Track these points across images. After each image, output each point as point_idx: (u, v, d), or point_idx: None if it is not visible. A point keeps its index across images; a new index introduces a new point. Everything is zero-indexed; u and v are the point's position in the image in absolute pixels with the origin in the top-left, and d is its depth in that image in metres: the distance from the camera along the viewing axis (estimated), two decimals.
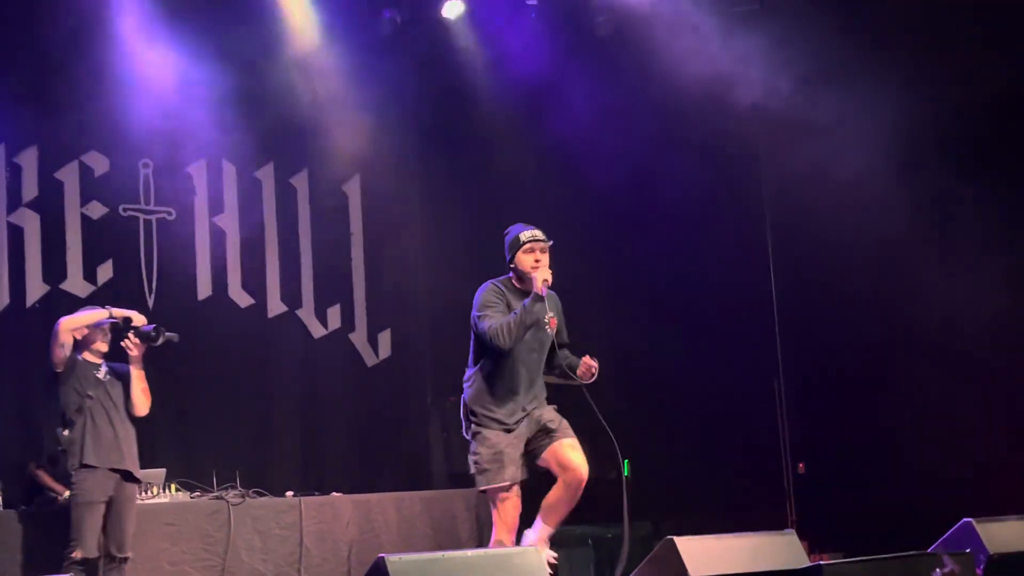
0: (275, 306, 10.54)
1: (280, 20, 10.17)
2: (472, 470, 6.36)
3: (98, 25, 9.40)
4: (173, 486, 8.06)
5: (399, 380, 11.04)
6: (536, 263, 6.33)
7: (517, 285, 6.41)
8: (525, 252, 6.38)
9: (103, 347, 7.24)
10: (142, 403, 7.25)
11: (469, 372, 6.44)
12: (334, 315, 10.84)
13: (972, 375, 9.95)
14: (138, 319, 7.25)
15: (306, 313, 10.71)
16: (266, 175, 10.63)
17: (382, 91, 10.46)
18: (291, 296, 10.63)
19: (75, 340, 7.10)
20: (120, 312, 7.25)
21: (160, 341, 7.20)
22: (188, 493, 8.10)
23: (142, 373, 7.23)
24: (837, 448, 11.04)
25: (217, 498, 8.04)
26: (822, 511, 11.02)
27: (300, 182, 10.79)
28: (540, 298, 6.21)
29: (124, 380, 7.24)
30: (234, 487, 8.18)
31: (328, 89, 10.45)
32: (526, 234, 6.43)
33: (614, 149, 10.66)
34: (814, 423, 11.42)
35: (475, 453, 6.31)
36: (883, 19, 10.28)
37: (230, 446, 9.55)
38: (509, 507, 6.25)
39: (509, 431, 6.29)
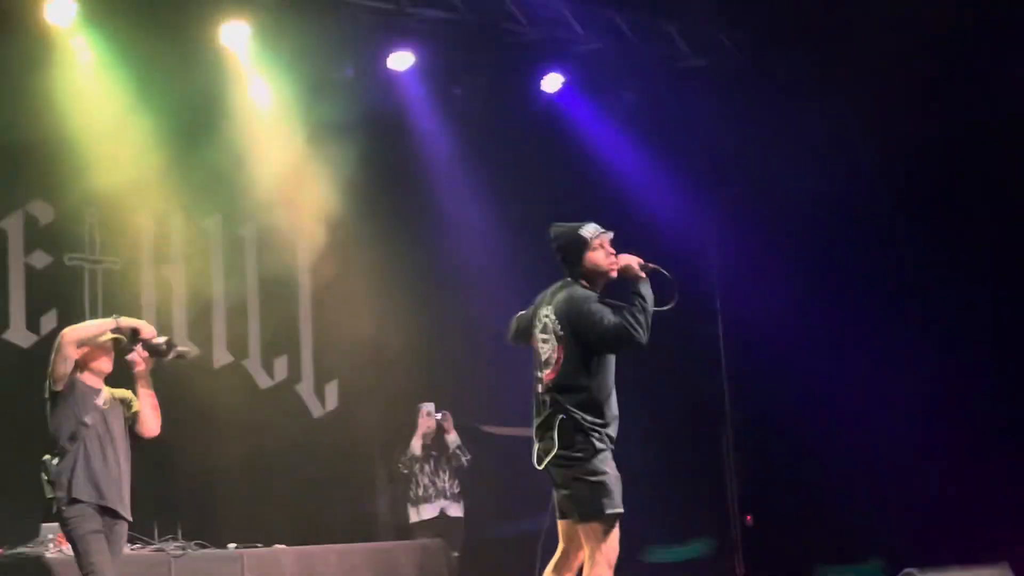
0: (221, 356, 10.48)
1: (230, 72, 10.15)
2: (586, 494, 5.61)
3: (41, 69, 9.35)
4: None
5: (346, 431, 10.97)
6: (612, 255, 5.84)
7: (591, 289, 5.84)
8: (595, 251, 5.85)
9: (106, 367, 6.58)
10: (153, 422, 6.64)
11: (565, 381, 5.71)
12: (281, 366, 10.80)
13: (913, 430, 10.07)
14: (147, 331, 6.60)
15: (252, 363, 10.66)
16: (214, 225, 10.61)
17: (331, 142, 10.45)
18: (237, 346, 10.58)
19: (89, 362, 6.48)
20: (128, 322, 6.59)
21: (171, 356, 6.63)
22: (128, 545, 7.95)
23: (151, 391, 6.63)
24: (784, 501, 11.09)
25: (158, 550, 7.94)
26: (770, 562, 11.05)
27: (248, 233, 10.77)
28: (647, 280, 5.77)
29: (127, 410, 6.61)
30: (175, 539, 8.09)
31: (278, 141, 10.45)
32: (588, 230, 5.87)
33: (556, 198, 10.72)
34: (762, 476, 11.47)
35: (601, 473, 5.61)
36: (828, 81, 10.46)
37: (172, 497, 9.42)
38: (616, 539, 5.64)
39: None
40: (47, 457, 6.43)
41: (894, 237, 10.27)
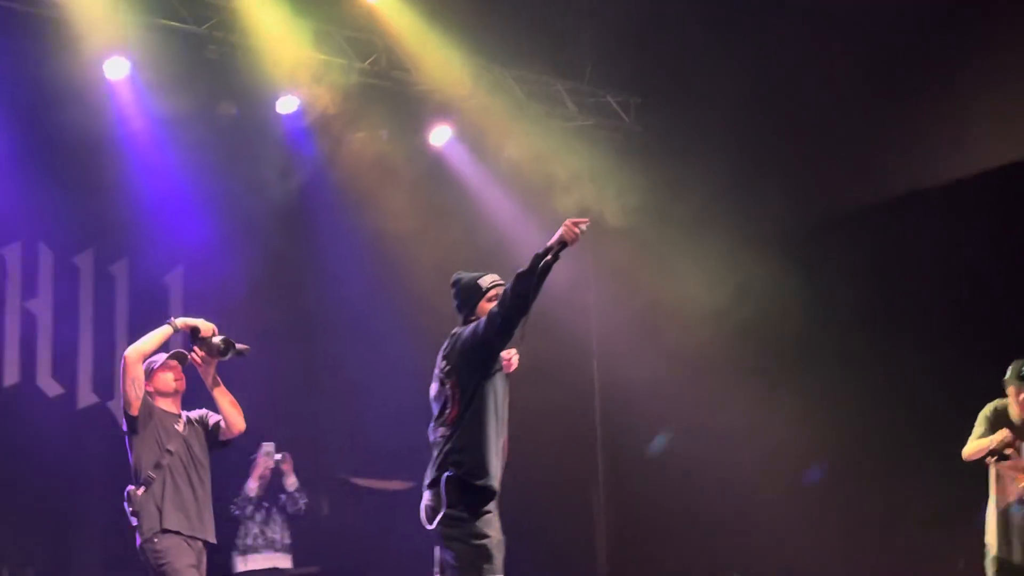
0: (86, 397, 10.17)
1: (111, 106, 9.94)
2: (466, 556, 5.49)
3: None
4: None
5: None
6: None
7: None
8: (490, 300, 5.71)
9: (176, 385, 6.49)
10: (236, 418, 6.48)
11: (454, 439, 5.59)
12: None
13: (785, 494, 10.17)
14: (205, 328, 6.42)
15: (117, 406, 10.33)
16: (84, 261, 10.34)
17: (211, 182, 10.28)
18: (103, 387, 10.27)
19: (155, 388, 6.45)
20: (185, 322, 6.43)
21: (229, 355, 6.41)
22: None
23: (222, 387, 6.46)
24: (653, 558, 11.11)
25: None
26: None
27: (120, 270, 10.52)
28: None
29: (204, 428, 6.50)
30: None
31: (155, 178, 10.24)
32: (487, 279, 5.79)
33: (441, 247, 10.69)
34: (632, 535, 11.48)
35: (484, 536, 5.50)
36: (713, 150, 10.61)
37: (26, 541, 9.10)
38: None
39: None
40: (131, 488, 6.31)
41: (775, 302, 10.38)
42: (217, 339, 6.41)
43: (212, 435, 6.55)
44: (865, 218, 10.30)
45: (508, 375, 5.83)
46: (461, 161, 11.22)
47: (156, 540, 6.24)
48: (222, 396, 6.49)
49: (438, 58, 10.70)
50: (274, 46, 9.97)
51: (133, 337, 10.24)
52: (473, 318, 5.76)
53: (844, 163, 10.18)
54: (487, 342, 5.59)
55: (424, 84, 10.78)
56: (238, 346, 6.46)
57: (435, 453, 5.70)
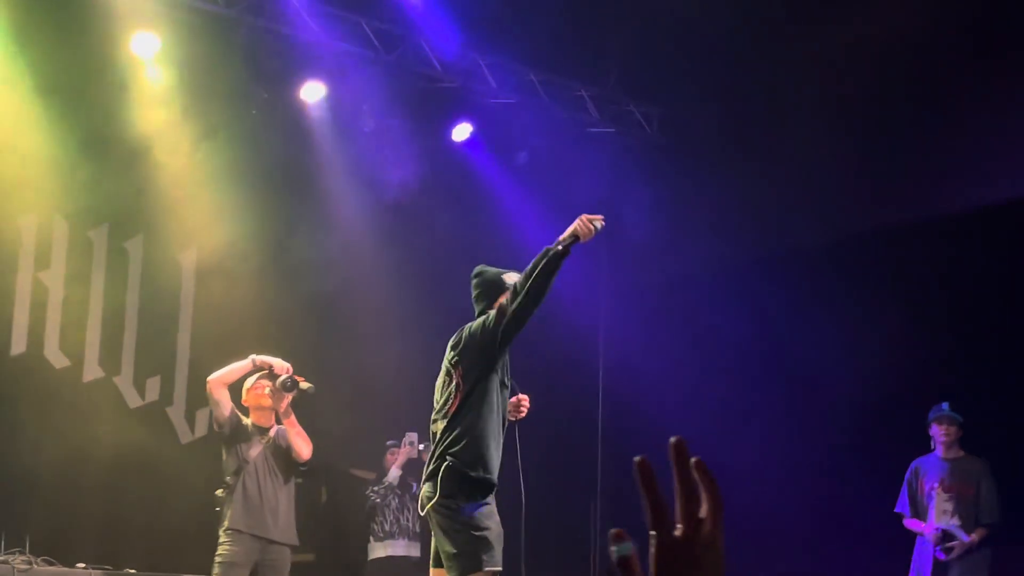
0: (92, 370, 10.18)
1: (134, 84, 9.94)
2: (467, 547, 5.56)
3: None
4: None
5: (213, 460, 10.65)
6: None
7: None
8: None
9: (267, 402, 7.42)
10: (300, 446, 7.35)
11: (455, 431, 5.67)
12: (153, 386, 10.51)
13: (790, 510, 10.18)
14: (279, 367, 7.34)
15: (124, 381, 10.36)
16: (99, 235, 10.35)
17: (231, 163, 10.28)
18: (110, 362, 10.28)
19: (249, 404, 7.52)
20: (263, 360, 7.36)
21: (294, 392, 7.28)
22: None
23: (291, 419, 7.35)
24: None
25: (2, 563, 7.64)
26: None
27: (134, 246, 10.53)
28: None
29: (284, 446, 7.44)
30: (22, 552, 7.80)
31: (174, 156, 10.24)
32: (511, 277, 5.90)
33: (450, 243, 10.64)
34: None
35: (483, 528, 5.60)
36: (730, 164, 10.59)
37: (24, 509, 9.10)
38: None
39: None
40: (218, 492, 7.48)
41: (784, 316, 10.35)
42: (284, 377, 7.29)
43: (287, 456, 7.48)
44: (888, 242, 10.21)
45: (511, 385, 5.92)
46: (480, 158, 11.23)
47: (221, 535, 7.34)
48: (290, 426, 7.41)
49: (463, 55, 10.71)
50: (302, 33, 9.99)
51: (143, 314, 10.45)
52: (492, 310, 5.81)
53: (871, 186, 10.10)
54: (497, 333, 5.68)
55: (448, 80, 10.79)
56: (302, 385, 7.32)
57: (434, 444, 5.72)
